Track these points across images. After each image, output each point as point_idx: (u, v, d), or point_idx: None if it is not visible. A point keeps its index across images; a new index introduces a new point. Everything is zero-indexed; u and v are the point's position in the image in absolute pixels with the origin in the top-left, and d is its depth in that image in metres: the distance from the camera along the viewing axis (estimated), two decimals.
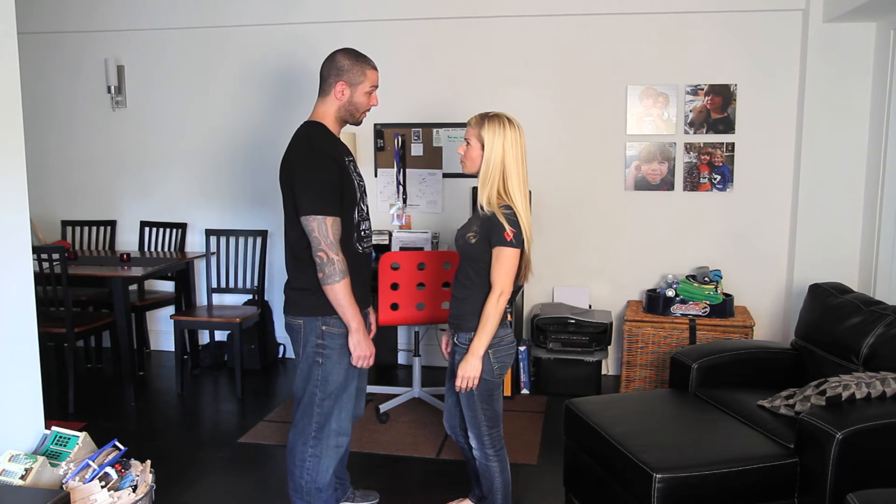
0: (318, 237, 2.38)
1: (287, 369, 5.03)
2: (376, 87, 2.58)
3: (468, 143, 2.53)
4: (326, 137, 2.51)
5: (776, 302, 4.63)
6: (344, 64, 2.51)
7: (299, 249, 2.48)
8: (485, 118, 2.50)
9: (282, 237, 5.40)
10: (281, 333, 5.23)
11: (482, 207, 2.49)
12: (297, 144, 2.48)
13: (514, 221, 2.44)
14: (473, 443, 2.63)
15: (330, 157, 2.44)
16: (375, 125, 4.91)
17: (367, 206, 2.67)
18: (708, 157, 4.58)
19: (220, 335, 5.12)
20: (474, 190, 4.58)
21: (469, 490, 3.00)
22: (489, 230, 2.45)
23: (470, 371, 2.46)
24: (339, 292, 2.41)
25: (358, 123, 2.64)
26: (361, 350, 2.51)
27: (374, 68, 2.56)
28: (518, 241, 2.44)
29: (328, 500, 2.64)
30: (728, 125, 4.54)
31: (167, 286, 5.20)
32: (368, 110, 2.62)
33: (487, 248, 2.46)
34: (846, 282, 3.63)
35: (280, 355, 5.23)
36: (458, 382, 2.48)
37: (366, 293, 2.65)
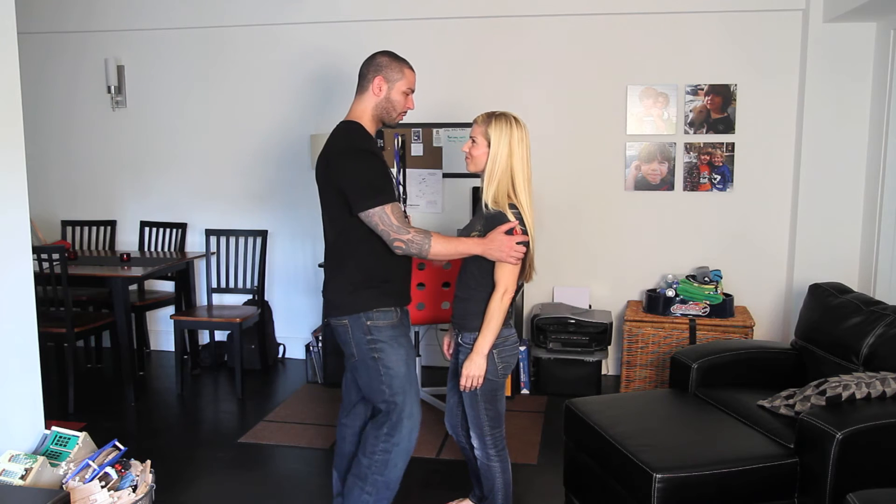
0: (384, 230, 2.37)
1: (287, 369, 5.03)
2: (413, 89, 2.58)
3: (473, 140, 2.52)
4: (364, 135, 2.51)
5: (776, 302, 4.63)
6: (383, 61, 2.53)
7: (338, 249, 2.50)
8: (491, 117, 2.50)
9: (282, 237, 5.40)
10: (281, 333, 5.23)
11: (486, 206, 2.49)
12: (336, 144, 2.48)
13: (520, 220, 2.45)
14: (475, 443, 2.63)
15: (371, 153, 2.46)
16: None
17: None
18: (708, 157, 4.58)
19: (220, 335, 5.12)
20: (474, 190, 4.58)
21: (469, 490, 3.00)
22: (490, 229, 2.46)
23: (475, 370, 2.46)
24: (439, 252, 2.42)
25: (393, 125, 2.64)
26: (499, 242, 2.43)
27: (413, 70, 2.57)
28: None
29: (391, 497, 2.61)
30: (728, 125, 4.54)
31: (167, 286, 5.20)
32: (405, 113, 2.60)
33: None
34: (846, 282, 3.63)
35: (280, 355, 5.24)
36: (462, 382, 2.49)
37: (408, 288, 2.62)
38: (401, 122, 2.65)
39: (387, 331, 2.50)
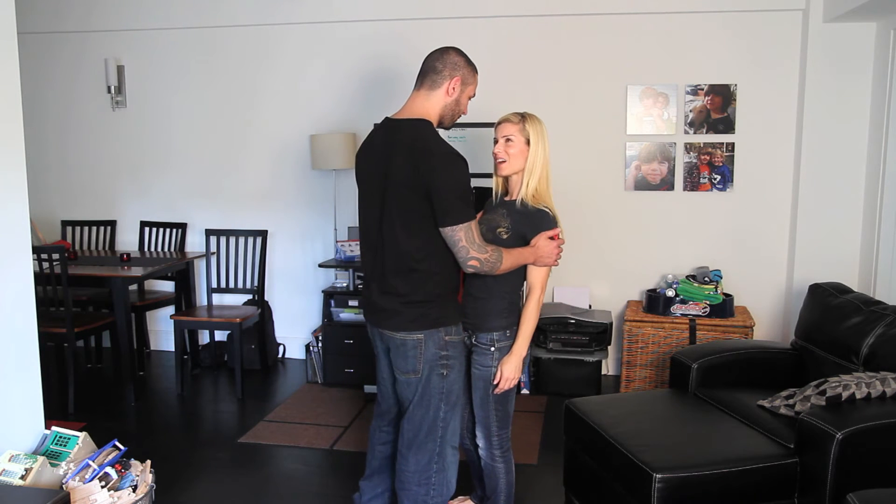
0: (465, 246, 2.25)
1: (287, 369, 5.03)
2: (475, 95, 2.47)
3: (509, 139, 2.50)
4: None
5: (776, 302, 4.62)
6: (459, 61, 2.38)
7: (416, 259, 2.29)
8: (525, 116, 2.52)
9: (282, 237, 5.38)
10: (281, 333, 5.23)
11: (522, 202, 2.49)
12: (425, 146, 2.25)
13: (556, 219, 2.50)
14: (481, 442, 2.62)
15: (463, 159, 2.28)
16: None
17: None
18: (708, 157, 4.58)
19: (220, 335, 5.12)
20: (475, 190, 4.56)
21: (470, 490, 3.00)
22: (528, 226, 2.47)
23: (514, 372, 2.48)
24: (506, 267, 2.36)
25: (449, 128, 2.51)
26: (547, 250, 2.44)
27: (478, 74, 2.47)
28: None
29: None
30: (728, 125, 4.54)
31: (167, 286, 5.20)
32: (459, 117, 2.48)
33: (522, 244, 2.48)
34: (846, 282, 3.63)
35: (280, 355, 5.24)
36: (502, 384, 2.48)
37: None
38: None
39: (459, 346, 2.44)
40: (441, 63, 2.36)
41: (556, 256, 2.47)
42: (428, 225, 2.27)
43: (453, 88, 2.37)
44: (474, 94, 2.47)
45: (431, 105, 2.37)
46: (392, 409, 2.63)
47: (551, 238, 2.47)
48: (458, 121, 3.39)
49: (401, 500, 2.52)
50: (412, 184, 2.24)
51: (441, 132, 2.42)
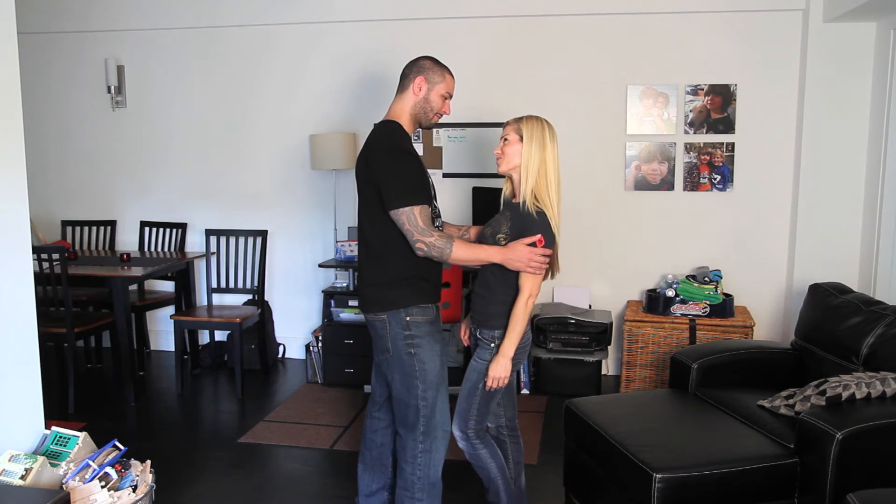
0: (409, 229, 2.42)
1: (287, 369, 5.03)
2: (451, 94, 2.64)
3: (506, 139, 2.55)
4: (403, 135, 2.58)
5: (776, 302, 4.63)
6: (426, 63, 2.61)
7: (375, 246, 2.54)
8: (522, 117, 2.56)
9: (282, 237, 5.39)
10: (281, 333, 5.23)
11: (523, 205, 2.49)
12: (377, 142, 2.54)
13: (548, 225, 2.48)
14: (457, 433, 2.62)
15: (411, 154, 2.53)
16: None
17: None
18: (708, 157, 4.59)
19: (220, 335, 5.12)
20: (475, 190, 4.57)
21: (467, 489, 2.99)
22: (522, 231, 2.47)
23: (501, 372, 2.49)
24: (459, 257, 2.47)
25: (429, 127, 2.68)
26: (519, 254, 2.47)
27: (452, 76, 2.64)
28: (549, 244, 2.49)
29: (439, 495, 2.64)
30: (728, 125, 4.54)
31: (167, 286, 5.20)
32: (440, 115, 2.67)
33: None
34: (846, 282, 3.63)
35: (280, 355, 5.24)
36: (489, 383, 2.50)
37: (438, 288, 2.66)
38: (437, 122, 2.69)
39: (424, 327, 2.55)
40: (409, 68, 2.62)
41: (529, 262, 2.44)
42: (382, 213, 2.48)
43: (419, 88, 2.58)
44: (449, 95, 2.64)
45: (402, 107, 2.61)
46: (382, 394, 2.78)
47: (534, 245, 2.45)
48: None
49: (399, 481, 2.66)
50: (366, 177, 2.52)
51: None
